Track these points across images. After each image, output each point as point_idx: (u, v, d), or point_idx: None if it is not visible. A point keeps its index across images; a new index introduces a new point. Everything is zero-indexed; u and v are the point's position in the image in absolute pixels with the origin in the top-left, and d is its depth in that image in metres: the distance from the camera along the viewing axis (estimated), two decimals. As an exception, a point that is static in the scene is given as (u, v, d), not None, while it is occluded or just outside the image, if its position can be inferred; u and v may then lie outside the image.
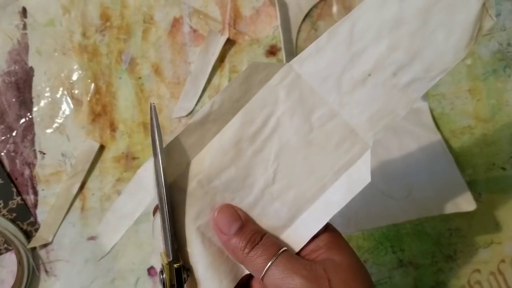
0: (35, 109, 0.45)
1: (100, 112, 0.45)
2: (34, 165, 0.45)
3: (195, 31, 0.45)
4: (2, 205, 0.45)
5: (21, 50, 0.46)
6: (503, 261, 0.45)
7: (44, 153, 0.45)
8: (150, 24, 0.45)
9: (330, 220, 0.27)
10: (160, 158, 0.25)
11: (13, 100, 0.45)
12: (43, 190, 0.45)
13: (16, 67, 0.45)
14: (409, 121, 0.44)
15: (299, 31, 0.45)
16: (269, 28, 0.45)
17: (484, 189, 0.45)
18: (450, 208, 0.41)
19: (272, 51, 0.45)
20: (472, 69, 0.45)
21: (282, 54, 0.44)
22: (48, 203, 0.45)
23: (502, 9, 0.45)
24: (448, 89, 0.45)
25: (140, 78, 0.45)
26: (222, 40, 0.44)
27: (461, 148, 0.45)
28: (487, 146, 0.45)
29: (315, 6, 0.45)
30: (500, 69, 0.45)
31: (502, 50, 0.45)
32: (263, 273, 0.25)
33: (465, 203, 0.41)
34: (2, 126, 0.45)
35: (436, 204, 0.41)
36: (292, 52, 0.45)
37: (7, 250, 0.44)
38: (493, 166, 0.45)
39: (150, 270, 0.45)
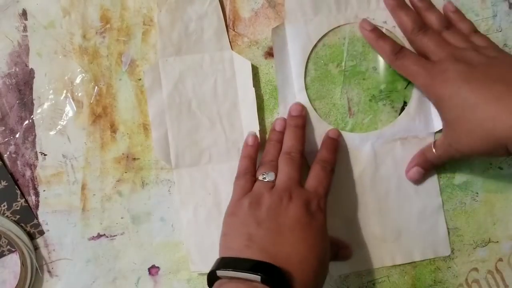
0: (37, 111, 0.46)
1: (101, 113, 0.45)
2: (35, 166, 0.46)
3: (194, 33, 0.46)
4: (6, 207, 0.45)
5: (22, 52, 0.46)
6: (500, 259, 0.46)
7: (45, 155, 0.46)
8: (150, 26, 0.45)
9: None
10: None
11: (17, 102, 0.46)
12: (44, 191, 0.45)
13: (17, 69, 0.46)
14: (411, 153, 0.45)
15: (306, 66, 0.45)
16: (268, 30, 0.46)
17: (482, 188, 0.46)
18: (429, 253, 0.45)
19: (271, 53, 0.46)
20: (469, 69, 0.45)
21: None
22: (49, 204, 0.45)
23: (498, 10, 0.46)
24: (446, 90, 0.45)
25: (140, 79, 0.45)
26: None
27: (459, 148, 0.46)
28: (484, 146, 0.46)
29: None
30: (497, 70, 0.46)
31: (499, 51, 0.45)
32: None
33: (442, 248, 0.45)
34: (4, 128, 0.46)
35: (419, 250, 0.44)
36: (286, 84, 0.45)
37: (10, 251, 0.45)
38: (490, 166, 0.46)
39: (151, 270, 0.45)
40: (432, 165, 0.44)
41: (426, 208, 0.44)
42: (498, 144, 0.36)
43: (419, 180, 0.44)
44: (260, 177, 0.40)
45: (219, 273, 0.35)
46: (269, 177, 0.40)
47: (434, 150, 0.42)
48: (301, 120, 0.43)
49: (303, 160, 0.42)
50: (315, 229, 0.37)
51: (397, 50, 0.43)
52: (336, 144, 0.44)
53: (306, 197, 0.38)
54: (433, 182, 0.45)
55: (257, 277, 0.33)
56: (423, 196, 0.44)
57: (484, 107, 0.36)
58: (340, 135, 0.45)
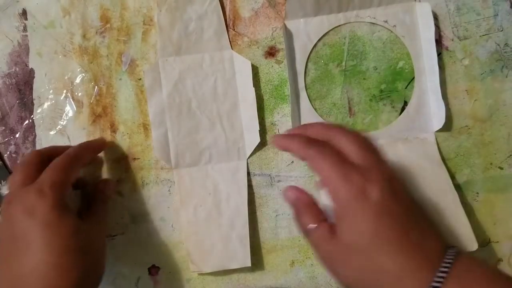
0: (37, 110, 0.46)
1: (101, 113, 0.45)
2: (35, 166, 0.46)
3: (194, 32, 0.46)
4: (5, 207, 0.45)
5: (22, 52, 0.46)
6: (500, 260, 0.46)
7: (45, 154, 0.46)
8: (150, 26, 0.45)
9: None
10: None
11: (17, 102, 0.46)
12: (44, 191, 0.45)
13: (17, 69, 0.46)
14: (415, 152, 0.44)
15: (306, 66, 0.45)
16: (268, 29, 0.45)
17: (482, 188, 0.45)
18: None
19: (271, 52, 0.46)
20: (470, 69, 0.45)
21: (287, 88, 0.45)
22: (49, 203, 0.45)
23: (499, 9, 0.45)
24: (446, 89, 0.45)
25: (140, 79, 0.45)
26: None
27: (459, 148, 0.46)
28: (485, 146, 0.46)
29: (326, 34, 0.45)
30: (498, 70, 0.46)
31: (500, 51, 0.45)
32: None
33: (468, 242, 0.42)
34: (4, 128, 0.46)
35: None
36: (297, 92, 0.45)
37: (10, 251, 0.45)
38: (491, 166, 0.46)
39: (151, 270, 0.45)
40: None
41: (440, 202, 0.43)
42: None
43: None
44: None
45: None
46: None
47: (307, 228, 0.35)
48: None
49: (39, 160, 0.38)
50: (41, 225, 0.32)
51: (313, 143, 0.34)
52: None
53: (23, 197, 0.34)
54: (444, 177, 0.44)
55: None
56: (435, 191, 0.43)
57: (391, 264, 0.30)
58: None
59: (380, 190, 0.31)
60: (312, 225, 0.34)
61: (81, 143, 0.42)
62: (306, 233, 0.35)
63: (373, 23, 0.45)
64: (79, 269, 0.33)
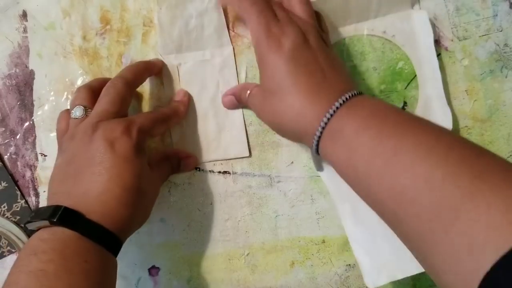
0: (38, 112, 0.46)
1: (101, 114, 0.45)
2: (35, 167, 0.46)
3: (194, 33, 0.46)
4: (6, 208, 0.45)
5: (22, 53, 0.46)
6: (501, 260, 0.45)
7: (45, 155, 0.46)
8: (150, 27, 0.45)
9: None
10: None
11: (17, 103, 0.46)
12: (44, 192, 0.45)
13: (17, 70, 0.46)
14: None
15: None
16: (267, 30, 0.45)
17: (482, 188, 0.45)
18: None
19: (270, 53, 0.46)
20: (469, 69, 0.45)
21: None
22: (49, 204, 0.45)
23: (498, 10, 0.45)
24: (445, 90, 0.45)
25: (140, 80, 0.45)
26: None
27: (459, 148, 0.46)
28: (485, 146, 0.45)
29: None
30: (497, 70, 0.46)
31: (499, 51, 0.45)
32: None
33: None
34: (4, 129, 0.46)
35: None
36: None
37: (10, 252, 0.45)
38: (491, 166, 0.46)
39: (151, 270, 0.46)
40: (244, 104, 0.43)
41: None
42: (295, 137, 0.38)
43: (231, 108, 0.45)
44: (71, 115, 0.39)
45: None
46: (76, 112, 0.39)
47: (247, 95, 0.41)
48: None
49: (129, 91, 0.41)
50: (118, 158, 0.36)
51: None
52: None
53: (110, 127, 0.37)
54: None
55: (45, 222, 0.33)
56: None
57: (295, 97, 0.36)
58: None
59: (292, 42, 0.36)
60: (247, 93, 0.41)
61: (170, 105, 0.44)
62: (246, 102, 0.41)
63: (372, 35, 0.45)
64: (133, 207, 0.36)
